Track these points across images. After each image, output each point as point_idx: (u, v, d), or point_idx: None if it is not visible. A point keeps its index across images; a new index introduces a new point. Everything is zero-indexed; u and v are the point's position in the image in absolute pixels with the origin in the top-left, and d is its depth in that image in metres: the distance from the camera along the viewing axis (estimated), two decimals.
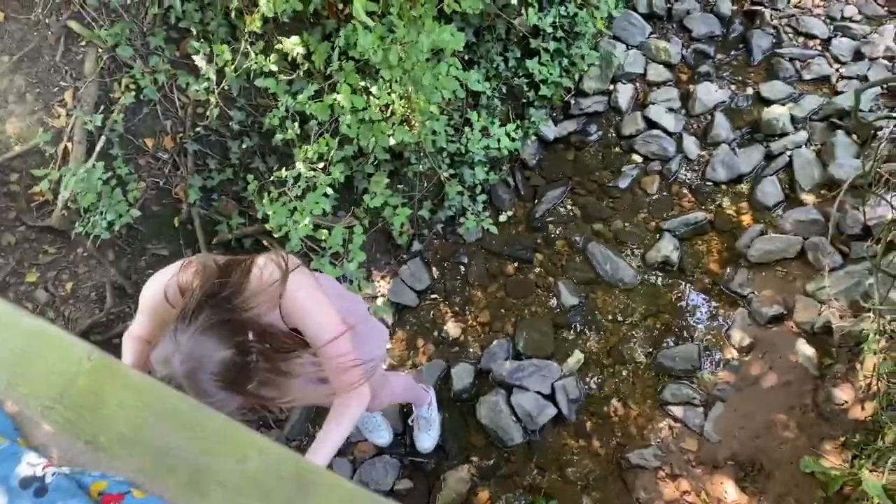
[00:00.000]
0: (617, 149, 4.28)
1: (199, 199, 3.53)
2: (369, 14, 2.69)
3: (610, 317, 3.77)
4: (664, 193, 4.07)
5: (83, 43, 3.29)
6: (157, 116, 3.50)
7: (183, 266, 1.78)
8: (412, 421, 3.41)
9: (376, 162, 3.55)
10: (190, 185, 3.50)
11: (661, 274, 3.84)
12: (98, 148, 3.28)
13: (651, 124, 4.21)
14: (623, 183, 4.14)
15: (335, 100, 2.94)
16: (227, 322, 1.53)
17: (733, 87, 4.29)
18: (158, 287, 1.78)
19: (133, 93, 3.32)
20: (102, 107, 3.32)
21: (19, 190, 3.32)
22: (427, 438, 3.38)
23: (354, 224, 3.44)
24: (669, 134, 4.16)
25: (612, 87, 4.37)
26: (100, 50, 3.29)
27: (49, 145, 3.23)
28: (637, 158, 4.20)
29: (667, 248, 3.82)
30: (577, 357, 3.63)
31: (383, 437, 3.39)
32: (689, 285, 3.79)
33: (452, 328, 3.80)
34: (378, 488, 3.36)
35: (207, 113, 3.39)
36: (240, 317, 1.58)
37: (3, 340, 0.73)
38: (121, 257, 3.46)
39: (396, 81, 3.04)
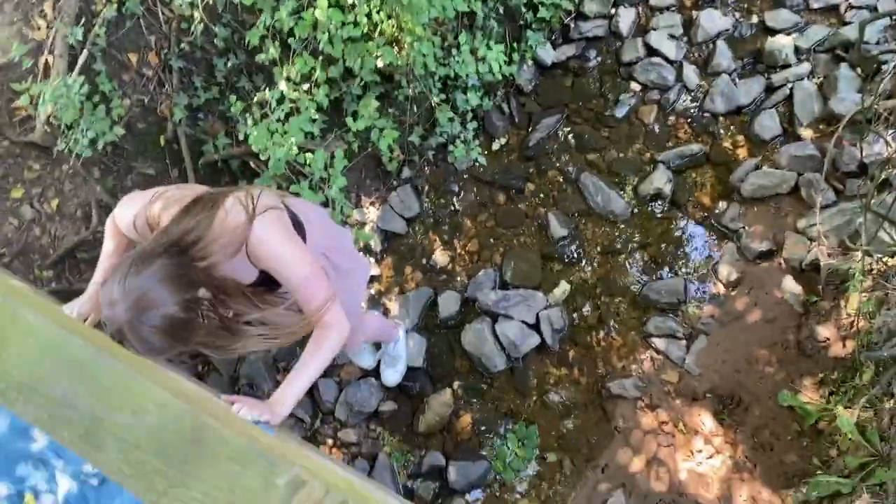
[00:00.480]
0: (616, 76, 4.16)
1: (185, 117, 3.46)
2: None
3: (599, 248, 3.75)
4: (661, 124, 3.99)
5: None
6: (141, 31, 3.40)
7: (153, 198, 1.75)
8: (380, 355, 3.44)
9: (364, 84, 3.47)
10: (175, 104, 3.43)
11: (652, 206, 3.80)
12: (80, 62, 3.19)
13: (651, 51, 4.09)
14: (620, 112, 4.05)
15: (315, 16, 2.83)
16: (180, 276, 1.50)
17: (738, 14, 4.13)
18: (129, 216, 1.77)
19: (115, 5, 3.22)
20: (84, 19, 3.22)
21: (1, 104, 3.26)
22: (392, 373, 3.42)
23: (341, 147, 3.38)
24: (670, 62, 4.04)
25: (613, 10, 4.23)
26: None
27: (28, 58, 3.15)
28: (635, 87, 4.10)
29: (660, 180, 3.76)
30: (563, 288, 3.63)
31: (367, 360, 3.43)
32: (679, 219, 3.75)
33: (440, 256, 3.79)
34: (362, 409, 3.43)
35: (192, 28, 3.29)
36: (195, 270, 1.56)
37: None
38: (106, 175, 3.42)
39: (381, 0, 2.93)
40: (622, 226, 3.77)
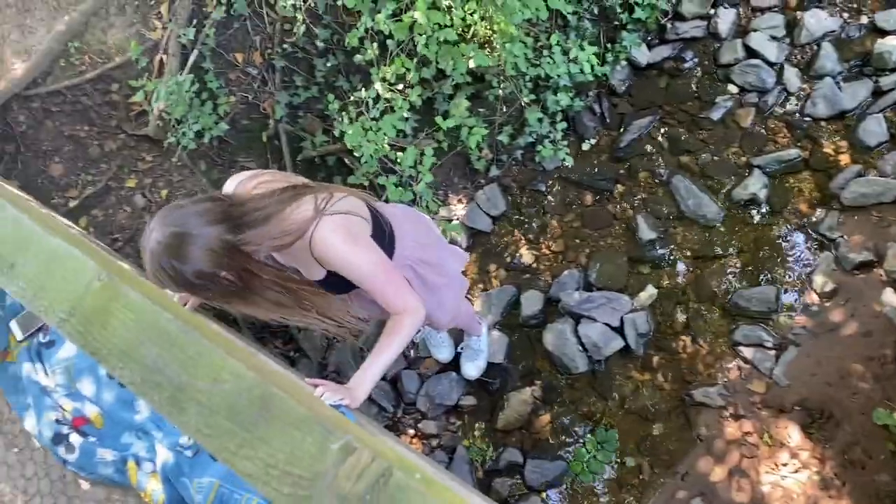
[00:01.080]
0: (712, 78, 4.07)
1: (286, 115, 3.63)
2: None
3: (688, 253, 3.69)
4: (758, 127, 3.88)
5: None
6: (248, 32, 3.58)
7: (252, 176, 1.88)
8: (461, 348, 3.49)
9: (456, 84, 3.53)
10: (277, 102, 3.60)
11: (746, 212, 3.71)
12: (190, 61, 3.41)
13: (751, 53, 3.97)
14: (716, 114, 3.96)
15: (413, 18, 2.92)
16: (216, 253, 1.53)
17: (846, 15, 3.96)
18: (228, 189, 1.90)
19: (224, 7, 3.41)
20: (195, 21, 3.44)
21: (119, 99, 3.51)
22: (472, 367, 3.47)
23: (432, 145, 3.47)
24: (770, 64, 3.92)
25: (712, 11, 4.13)
26: None
27: (145, 57, 3.39)
28: (733, 89, 4.00)
29: (755, 185, 3.66)
30: (649, 292, 3.59)
31: (444, 353, 3.50)
32: (774, 225, 3.64)
33: (525, 255, 3.82)
34: (443, 402, 3.51)
35: (295, 30, 3.44)
36: (233, 253, 1.59)
37: (33, 256, 0.82)
38: (212, 168, 3.63)
39: (476, 1, 2.99)
40: (714, 231, 3.69)
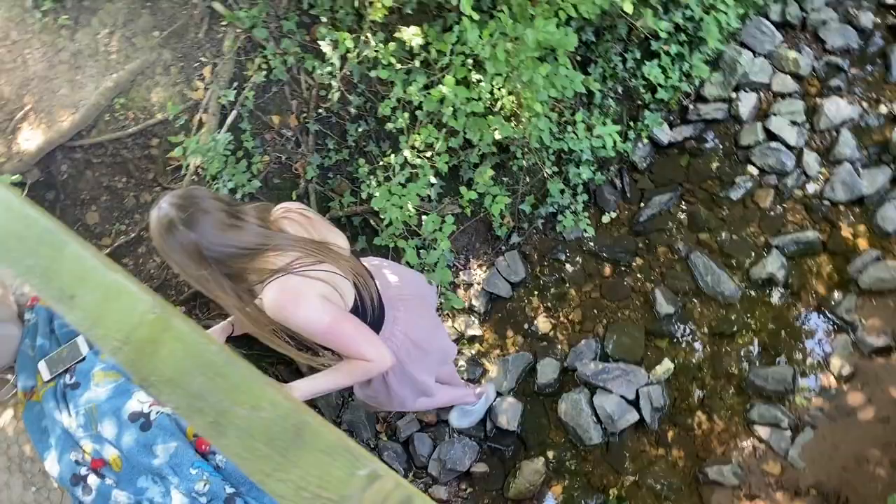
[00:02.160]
0: (733, 159, 4.16)
1: (317, 176, 3.76)
2: (477, 9, 2.78)
3: (705, 329, 3.71)
4: (777, 209, 3.94)
5: (224, 23, 3.58)
6: (285, 96, 3.74)
7: (282, 207, 2.07)
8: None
9: (482, 153, 3.65)
10: (309, 163, 3.73)
11: (764, 291, 3.74)
12: (229, 121, 3.56)
13: (771, 136, 4.07)
14: (735, 194, 4.03)
15: (442, 92, 3.05)
16: (200, 252, 1.77)
17: (865, 104, 4.06)
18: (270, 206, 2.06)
19: (264, 72, 3.58)
20: (236, 83, 3.60)
21: (158, 154, 3.66)
22: (461, 421, 3.53)
23: (455, 211, 3.56)
24: (790, 148, 4.01)
25: (734, 94, 4.25)
26: (238, 30, 3.56)
27: (185, 115, 3.54)
28: (752, 170, 4.08)
29: (773, 265, 3.70)
30: (666, 366, 3.60)
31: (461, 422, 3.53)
32: (791, 306, 3.66)
33: (543, 323, 3.86)
34: (455, 468, 3.50)
35: (329, 96, 3.60)
36: (222, 265, 1.82)
37: (93, 288, 0.89)
38: None
39: (504, 77, 3.12)
40: (731, 308, 3.72)
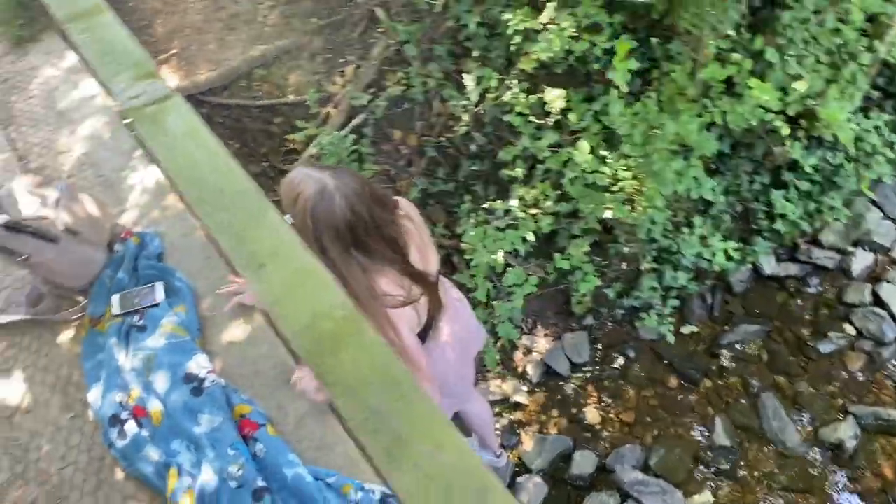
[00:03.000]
0: (832, 312, 3.99)
1: (417, 199, 3.75)
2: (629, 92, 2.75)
3: (756, 474, 3.51)
4: (865, 376, 3.74)
5: (380, 30, 3.64)
6: (413, 115, 3.77)
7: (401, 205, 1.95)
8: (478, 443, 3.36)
9: (586, 228, 3.59)
10: (413, 184, 3.73)
11: (827, 455, 3.53)
12: (354, 122, 3.60)
13: (878, 301, 3.89)
14: (825, 348, 3.85)
15: (570, 155, 3.02)
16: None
17: None
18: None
19: (402, 88, 3.62)
20: (372, 90, 3.65)
21: (277, 132, 3.72)
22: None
23: (537, 274, 3.49)
24: (895, 319, 3.82)
25: (851, 248, 4.09)
26: (390, 41, 3.61)
27: (317, 105, 3.59)
28: (849, 329, 3.90)
29: (846, 432, 3.50)
30: (706, 498, 3.41)
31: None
32: (852, 480, 3.44)
33: (592, 413, 3.72)
34: None
35: (456, 128, 3.61)
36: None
37: (284, 263, 0.85)
38: None
39: (633, 159, 3.07)
40: (789, 461, 3.52)
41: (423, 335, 2.12)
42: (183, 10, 3.81)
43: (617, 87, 2.80)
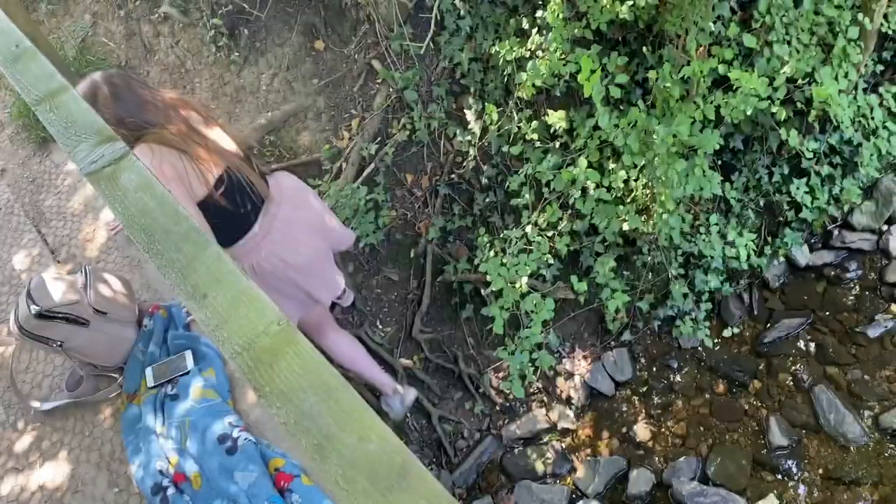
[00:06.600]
0: (875, 294, 3.88)
1: (437, 237, 3.79)
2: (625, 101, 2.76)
3: (821, 471, 3.39)
4: None
5: (379, 80, 3.73)
6: (422, 157, 3.83)
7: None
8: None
9: (607, 243, 3.57)
10: (432, 224, 3.78)
11: (893, 442, 3.39)
12: (366, 172, 3.67)
13: None
14: (874, 332, 3.73)
15: (572, 173, 3.03)
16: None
17: None
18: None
19: (407, 132, 3.69)
20: (379, 138, 3.73)
21: None
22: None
23: (563, 296, 3.48)
24: None
25: (885, 227, 3.99)
26: (390, 89, 3.70)
27: (329, 161, 3.68)
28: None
29: None
30: (771, 502, 3.30)
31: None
32: None
33: (642, 430, 3.65)
34: None
35: (465, 163, 3.66)
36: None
37: (225, 290, 0.90)
38: (358, 272, 3.81)
39: (639, 168, 3.06)
40: (852, 453, 3.39)
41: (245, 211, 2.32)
42: (190, 90, 3.97)
43: (610, 101, 2.82)
